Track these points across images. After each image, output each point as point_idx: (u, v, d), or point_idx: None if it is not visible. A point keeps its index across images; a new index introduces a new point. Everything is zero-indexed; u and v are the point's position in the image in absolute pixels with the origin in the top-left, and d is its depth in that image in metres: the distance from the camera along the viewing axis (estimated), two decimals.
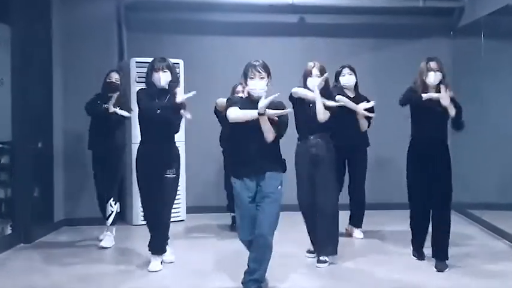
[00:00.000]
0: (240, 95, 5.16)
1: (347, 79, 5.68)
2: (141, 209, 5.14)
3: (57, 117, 6.36)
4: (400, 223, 5.72)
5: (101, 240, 5.53)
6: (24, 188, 5.69)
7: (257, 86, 3.89)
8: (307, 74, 4.86)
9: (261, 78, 3.89)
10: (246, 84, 3.94)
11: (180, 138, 6.43)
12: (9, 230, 5.56)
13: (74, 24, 6.45)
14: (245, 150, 3.87)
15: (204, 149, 6.90)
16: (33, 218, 5.84)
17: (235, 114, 3.86)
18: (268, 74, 3.93)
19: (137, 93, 4.68)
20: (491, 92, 6.30)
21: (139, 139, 4.73)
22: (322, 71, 4.81)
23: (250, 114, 3.81)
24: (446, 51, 7.05)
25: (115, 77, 5.61)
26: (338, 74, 5.75)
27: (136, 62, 6.44)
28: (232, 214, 6.02)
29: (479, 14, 6.48)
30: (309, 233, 4.91)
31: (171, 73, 4.63)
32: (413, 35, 7.34)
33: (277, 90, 4.17)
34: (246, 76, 3.93)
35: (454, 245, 4.84)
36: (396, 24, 7.35)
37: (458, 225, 5.65)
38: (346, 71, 5.71)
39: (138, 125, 4.69)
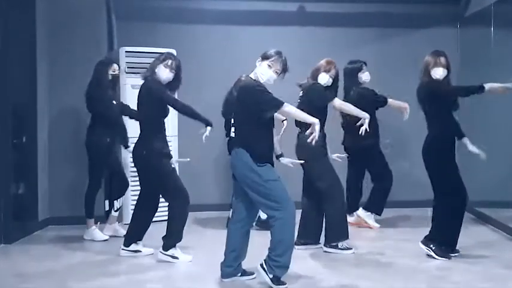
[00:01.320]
0: None
1: (367, 75, 5.86)
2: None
3: (42, 110, 6.04)
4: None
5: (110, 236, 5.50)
6: (6, 185, 5.36)
7: (270, 76, 4.03)
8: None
9: (276, 72, 4.08)
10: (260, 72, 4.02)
11: (173, 132, 6.16)
12: None
13: (60, 11, 6.14)
14: (271, 141, 4.08)
15: (198, 142, 6.57)
16: (16, 217, 5.55)
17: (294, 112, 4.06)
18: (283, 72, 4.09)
19: (155, 81, 4.57)
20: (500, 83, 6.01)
21: (153, 134, 4.58)
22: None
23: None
24: (453, 41, 6.83)
25: (117, 68, 5.58)
26: (357, 71, 5.82)
27: (126, 51, 6.19)
28: None
29: (488, 1, 6.21)
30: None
31: (176, 74, 4.64)
32: (417, 24, 7.07)
33: (277, 81, 4.11)
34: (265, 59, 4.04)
35: None
36: (400, 13, 7.08)
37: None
38: (364, 67, 5.86)
39: (154, 119, 4.58)
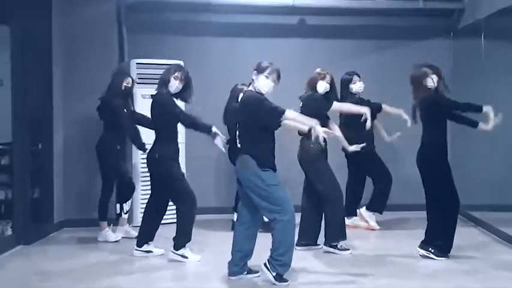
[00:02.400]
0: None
1: (359, 86, 6.13)
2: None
3: (57, 118, 6.37)
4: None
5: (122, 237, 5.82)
6: (24, 189, 5.67)
7: (271, 86, 4.36)
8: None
9: (273, 81, 4.38)
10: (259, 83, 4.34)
11: (180, 139, 6.48)
12: (9, 231, 5.57)
13: (74, 24, 6.46)
14: (273, 147, 4.36)
15: (203, 150, 6.88)
16: (33, 219, 5.86)
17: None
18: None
19: (166, 96, 4.93)
20: (492, 94, 6.27)
21: (166, 139, 4.93)
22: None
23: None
24: (446, 52, 7.12)
25: (131, 81, 5.90)
26: (348, 82, 6.10)
27: (137, 63, 6.49)
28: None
29: (479, 15, 6.50)
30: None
31: (185, 84, 4.98)
32: (413, 36, 7.37)
33: (278, 91, 4.43)
34: (264, 71, 4.33)
35: None
36: (396, 26, 7.39)
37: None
38: (356, 78, 6.13)
39: (167, 127, 4.92)
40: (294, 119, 4.35)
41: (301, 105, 5.33)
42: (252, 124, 4.28)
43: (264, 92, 4.34)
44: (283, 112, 4.21)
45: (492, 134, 5.86)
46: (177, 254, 4.94)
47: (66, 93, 6.47)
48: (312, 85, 5.32)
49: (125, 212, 5.97)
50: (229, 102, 6.07)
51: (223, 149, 4.93)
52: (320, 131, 4.25)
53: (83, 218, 6.34)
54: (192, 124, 4.99)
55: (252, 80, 4.37)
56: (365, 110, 5.26)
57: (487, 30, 6.33)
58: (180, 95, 5.03)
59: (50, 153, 6.25)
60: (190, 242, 4.99)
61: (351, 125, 5.76)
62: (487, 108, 4.92)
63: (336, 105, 5.30)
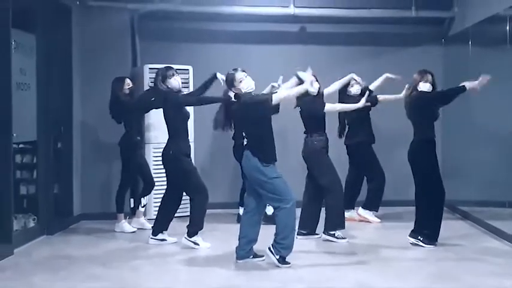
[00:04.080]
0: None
1: (357, 89, 6.52)
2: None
3: (76, 120, 6.85)
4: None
5: (139, 228, 6.28)
6: (47, 185, 6.16)
7: (251, 83, 4.84)
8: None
9: (246, 76, 4.88)
10: (236, 89, 4.82)
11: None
12: (32, 224, 6.02)
13: (92, 34, 6.92)
14: (273, 143, 4.82)
15: (211, 147, 7.35)
16: (55, 213, 6.35)
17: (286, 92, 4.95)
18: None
19: (177, 95, 5.44)
20: (479, 98, 6.64)
21: (179, 137, 5.41)
22: None
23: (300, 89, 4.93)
24: (438, 58, 7.50)
25: (130, 82, 6.35)
26: (345, 85, 6.48)
27: (149, 68, 6.89)
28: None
29: (469, 23, 6.87)
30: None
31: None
32: (406, 43, 7.74)
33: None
34: (233, 82, 4.85)
35: None
36: (390, 33, 7.77)
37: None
38: (353, 81, 6.52)
39: (177, 125, 5.41)
40: (286, 97, 4.87)
41: (300, 109, 5.78)
42: (252, 123, 4.79)
43: (251, 90, 4.87)
44: (271, 97, 4.76)
45: (483, 132, 6.28)
46: (190, 240, 5.43)
47: (84, 97, 6.92)
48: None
49: (142, 205, 6.45)
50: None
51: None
52: (308, 82, 4.87)
53: (100, 212, 6.80)
54: (204, 100, 5.65)
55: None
56: (359, 105, 5.85)
57: (474, 37, 6.71)
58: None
59: (69, 152, 6.74)
60: (202, 230, 5.46)
61: (354, 119, 6.41)
62: (469, 84, 5.29)
63: (328, 107, 5.74)
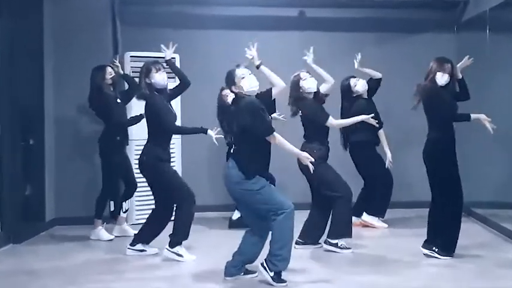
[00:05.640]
0: (229, 99, 5.42)
1: (362, 84, 6.04)
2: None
3: (48, 113, 6.21)
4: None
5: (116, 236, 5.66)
6: (14, 187, 5.52)
7: (254, 81, 4.15)
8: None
9: (250, 74, 4.17)
10: (237, 87, 4.14)
11: (175, 135, 6.33)
12: None
13: (67, 15, 6.32)
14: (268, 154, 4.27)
15: (200, 146, 6.74)
16: (24, 218, 5.74)
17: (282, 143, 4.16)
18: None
19: (155, 99, 4.78)
20: (497, 88, 6.15)
21: (155, 141, 4.78)
22: None
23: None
24: (451, 45, 6.95)
25: (112, 70, 5.72)
26: (348, 87, 6.03)
27: (131, 56, 6.34)
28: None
29: (484, 7, 6.38)
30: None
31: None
32: (416, 29, 7.25)
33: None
34: (233, 80, 4.14)
35: None
36: (399, 18, 7.25)
37: None
38: (353, 80, 6.06)
39: (156, 130, 4.77)
40: (279, 145, 4.14)
41: (300, 113, 5.16)
42: (245, 131, 4.11)
43: (256, 89, 4.24)
44: (271, 131, 4.08)
45: (500, 128, 5.78)
46: (172, 251, 4.77)
47: (59, 87, 6.32)
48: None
49: (124, 210, 5.78)
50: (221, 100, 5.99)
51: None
52: (305, 158, 4.22)
53: (76, 216, 6.18)
54: (183, 131, 5.30)
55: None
56: (362, 118, 5.12)
57: (492, 22, 6.21)
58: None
59: (41, 149, 6.10)
60: (186, 239, 4.82)
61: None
62: (475, 116, 4.81)
63: (334, 123, 5.11)
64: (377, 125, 5.40)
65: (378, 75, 6.13)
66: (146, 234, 4.97)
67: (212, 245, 5.37)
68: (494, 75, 6.17)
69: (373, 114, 5.18)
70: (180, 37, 6.85)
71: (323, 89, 5.29)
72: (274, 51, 6.61)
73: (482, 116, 4.81)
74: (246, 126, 4.06)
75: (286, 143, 4.15)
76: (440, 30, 7.18)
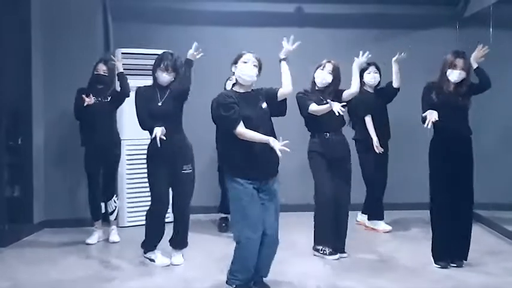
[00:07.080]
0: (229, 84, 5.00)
1: (372, 77, 5.87)
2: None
3: (37, 111, 5.98)
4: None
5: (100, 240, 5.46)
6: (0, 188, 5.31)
7: (248, 71, 3.83)
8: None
9: (254, 65, 3.87)
10: (235, 68, 3.87)
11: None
12: None
13: (56, 11, 6.06)
14: (260, 153, 3.73)
15: (196, 143, 6.53)
16: (11, 220, 5.53)
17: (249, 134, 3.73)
18: (260, 69, 3.91)
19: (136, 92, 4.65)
20: (501, 85, 5.97)
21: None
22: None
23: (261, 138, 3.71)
24: (452, 41, 6.73)
25: (102, 68, 5.44)
26: (363, 70, 5.76)
27: (122, 53, 6.08)
28: (223, 215, 5.84)
29: (488, 2, 6.22)
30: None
31: (176, 73, 4.65)
32: (417, 25, 7.04)
33: (273, 83, 4.10)
34: (238, 59, 3.88)
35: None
36: (399, 14, 7.05)
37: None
38: (372, 69, 5.88)
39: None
40: (245, 137, 3.71)
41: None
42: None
43: (247, 80, 3.87)
44: (236, 126, 3.71)
45: (504, 125, 5.60)
46: (145, 257, 4.73)
47: (47, 86, 6.07)
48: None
49: (110, 212, 5.55)
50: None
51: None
52: (276, 146, 3.60)
53: (65, 219, 5.96)
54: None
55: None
56: (330, 105, 4.65)
57: (495, 18, 6.06)
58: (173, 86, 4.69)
59: (29, 149, 5.86)
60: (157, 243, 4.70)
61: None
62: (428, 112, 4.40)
63: (314, 107, 4.81)
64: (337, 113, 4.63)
65: (397, 83, 5.76)
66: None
67: (203, 247, 5.16)
68: (497, 72, 5.98)
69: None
70: (172, 33, 6.76)
71: (345, 94, 4.96)
72: (270, 47, 6.36)
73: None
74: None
75: (252, 132, 3.70)
76: (442, 26, 6.99)
